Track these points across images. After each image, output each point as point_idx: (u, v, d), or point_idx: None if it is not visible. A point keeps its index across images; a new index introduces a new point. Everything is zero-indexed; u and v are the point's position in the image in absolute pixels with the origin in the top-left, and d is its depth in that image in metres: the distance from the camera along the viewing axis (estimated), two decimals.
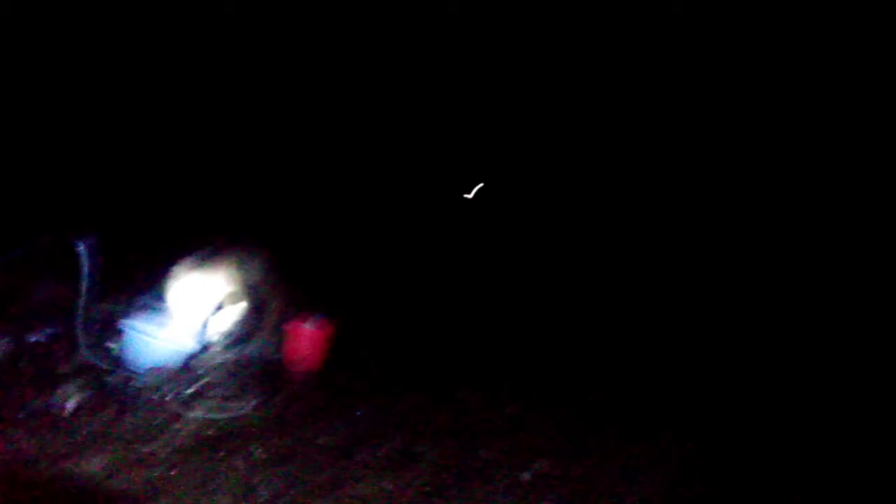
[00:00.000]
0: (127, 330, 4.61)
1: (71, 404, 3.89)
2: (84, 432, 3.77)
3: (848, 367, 6.51)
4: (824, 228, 7.81)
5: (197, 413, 4.13)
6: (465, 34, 7.21)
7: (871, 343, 6.79)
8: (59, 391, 3.92)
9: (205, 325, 5.32)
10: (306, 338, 5.45)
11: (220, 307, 5.65)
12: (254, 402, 4.36)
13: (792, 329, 7.14)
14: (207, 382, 4.52)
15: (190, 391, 4.31)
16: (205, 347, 5.12)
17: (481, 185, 8.90)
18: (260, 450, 3.97)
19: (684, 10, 6.66)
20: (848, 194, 7.80)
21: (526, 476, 4.21)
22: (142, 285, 5.32)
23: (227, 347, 5.36)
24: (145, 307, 5.11)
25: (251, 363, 5.25)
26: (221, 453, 3.90)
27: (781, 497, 4.55)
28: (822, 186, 7.79)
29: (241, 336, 5.53)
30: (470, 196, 8.22)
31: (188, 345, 4.84)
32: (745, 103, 7.62)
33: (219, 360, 5.11)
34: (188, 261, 5.57)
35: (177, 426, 4.01)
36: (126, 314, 4.87)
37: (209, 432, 4.05)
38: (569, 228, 8.59)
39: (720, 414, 5.56)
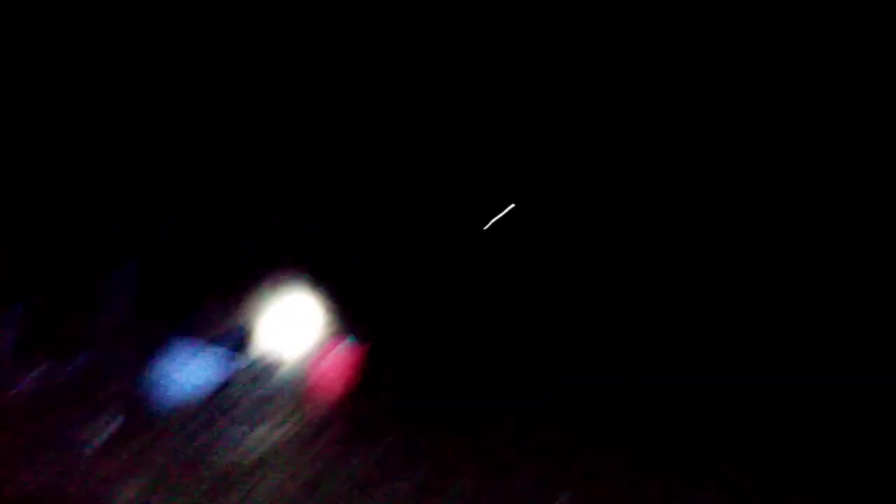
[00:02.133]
0: (171, 349, 4.66)
1: (106, 432, 3.91)
2: (119, 459, 3.79)
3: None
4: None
5: (229, 441, 4.13)
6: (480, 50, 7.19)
7: None
8: (96, 418, 3.95)
9: (237, 353, 5.36)
10: (335, 364, 5.45)
11: (251, 334, 5.69)
12: (284, 429, 4.35)
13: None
14: (240, 410, 4.52)
15: (222, 418, 4.31)
16: (237, 375, 5.14)
17: (511, 206, 8.84)
18: (291, 478, 3.96)
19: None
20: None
21: None
22: (177, 314, 5.37)
23: (259, 375, 5.38)
24: (180, 335, 5.15)
25: (282, 390, 5.26)
26: (254, 480, 3.90)
27: None
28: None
29: (271, 363, 5.55)
30: (499, 216, 8.15)
31: (221, 372, 4.86)
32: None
33: (250, 387, 5.14)
34: (223, 290, 5.64)
35: (209, 454, 4.01)
36: (161, 342, 4.91)
37: (241, 460, 4.05)
38: (598, 253, 8.47)
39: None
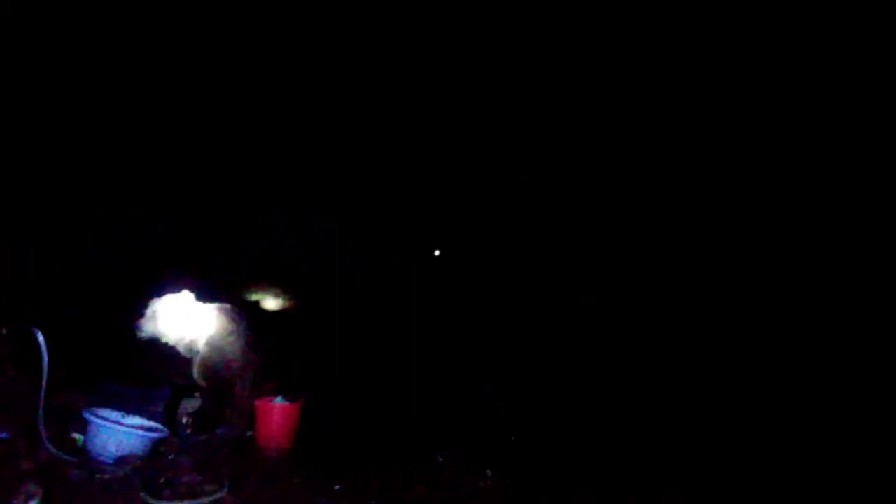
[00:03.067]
0: (90, 419, 4.37)
1: (35, 503, 3.62)
2: None
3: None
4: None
5: (169, 502, 3.89)
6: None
7: None
8: (23, 490, 3.65)
9: (172, 410, 5.11)
10: (277, 414, 5.28)
11: (186, 390, 5.45)
12: (227, 487, 4.13)
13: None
14: (178, 469, 4.28)
15: (161, 479, 4.07)
16: (173, 432, 4.89)
17: (438, 251, 8.93)
18: None
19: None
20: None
21: None
22: (104, 372, 5.10)
23: (197, 430, 5.14)
24: (109, 395, 4.87)
25: (222, 445, 5.04)
26: None
27: None
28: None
29: (209, 417, 5.32)
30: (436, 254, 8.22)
31: (156, 430, 4.61)
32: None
33: (189, 444, 4.89)
34: (151, 345, 5.40)
35: None
36: (89, 403, 4.63)
37: None
38: (536, 287, 8.63)
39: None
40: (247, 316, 6.37)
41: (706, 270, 7.97)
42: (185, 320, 5.90)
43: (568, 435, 6.72)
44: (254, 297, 7.41)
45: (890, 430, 5.98)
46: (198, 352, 5.75)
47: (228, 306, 6.17)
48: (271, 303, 7.96)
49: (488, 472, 4.99)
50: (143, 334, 5.66)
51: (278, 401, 5.37)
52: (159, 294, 5.96)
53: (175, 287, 6.09)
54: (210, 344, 5.63)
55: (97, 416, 4.40)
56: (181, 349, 5.78)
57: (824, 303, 7.11)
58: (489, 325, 8.55)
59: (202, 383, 5.64)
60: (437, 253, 8.37)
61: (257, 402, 5.32)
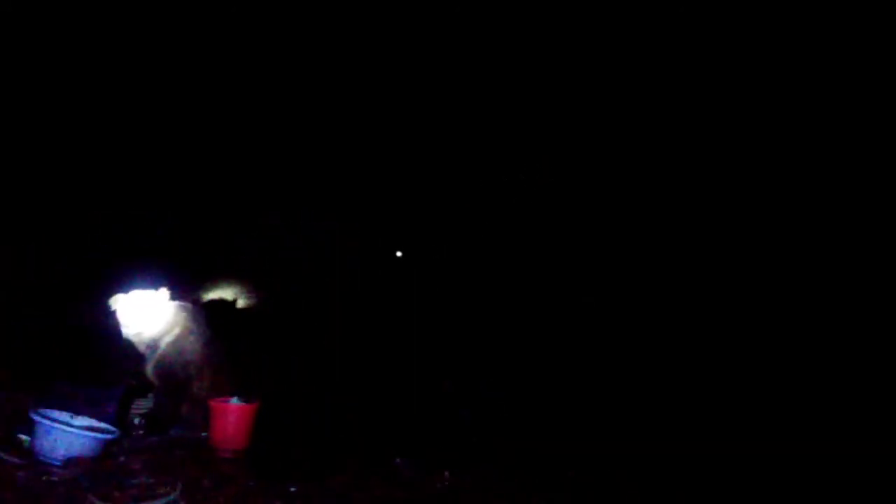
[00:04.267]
0: (38, 420, 4.22)
1: None
2: None
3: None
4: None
5: None
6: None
7: None
8: None
9: (124, 409, 4.98)
10: (232, 415, 5.18)
11: (139, 389, 5.33)
12: (180, 488, 4.04)
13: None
14: (130, 470, 4.17)
15: (111, 482, 3.95)
16: (125, 432, 4.77)
17: (399, 253, 8.90)
18: None
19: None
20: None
21: None
22: (54, 372, 4.94)
23: (150, 431, 5.02)
24: (58, 395, 4.72)
25: (176, 445, 4.92)
26: None
27: None
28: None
29: (163, 418, 5.20)
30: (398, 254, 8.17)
31: (106, 431, 4.48)
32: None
33: (141, 445, 4.77)
34: (106, 342, 5.26)
35: None
36: (37, 404, 4.48)
37: None
38: (507, 281, 8.61)
39: None
40: (206, 314, 6.26)
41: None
42: (142, 319, 5.78)
43: (535, 435, 6.73)
44: (212, 295, 7.26)
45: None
46: (157, 349, 5.63)
47: (189, 304, 6.06)
48: (230, 300, 7.81)
49: (446, 473, 4.98)
50: (99, 330, 5.52)
51: (234, 401, 5.27)
52: (116, 289, 5.82)
53: (133, 283, 5.95)
54: (168, 344, 5.51)
55: (45, 416, 4.25)
56: (139, 346, 5.65)
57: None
58: (455, 324, 8.53)
59: (156, 382, 5.52)
60: (398, 254, 8.33)
61: (212, 403, 5.22)
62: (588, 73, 6.96)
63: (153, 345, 5.77)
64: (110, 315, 5.73)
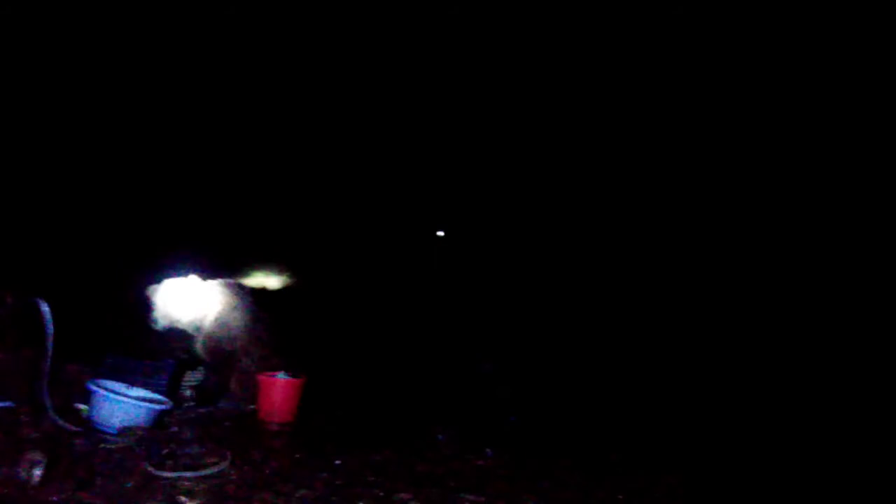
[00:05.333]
0: (95, 390, 4.34)
1: (39, 471, 3.60)
2: (54, 499, 3.49)
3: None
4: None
5: (172, 473, 3.87)
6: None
7: None
8: (27, 458, 3.63)
9: (175, 381, 5.09)
10: (280, 389, 5.26)
11: (188, 363, 5.43)
12: (230, 458, 4.12)
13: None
14: (181, 440, 4.26)
15: (164, 451, 4.05)
16: (176, 404, 4.88)
17: (441, 233, 8.90)
18: None
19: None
20: None
21: None
22: (110, 345, 5.07)
23: (200, 403, 5.13)
24: (114, 367, 4.86)
25: (225, 418, 5.02)
26: None
27: None
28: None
29: (212, 391, 5.31)
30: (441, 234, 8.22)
31: (159, 402, 4.59)
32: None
33: (192, 416, 4.88)
34: (156, 321, 5.38)
35: (152, 488, 3.75)
36: (93, 374, 4.61)
37: (186, 493, 3.80)
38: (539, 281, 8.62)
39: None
40: (251, 292, 6.35)
41: (712, 263, 7.96)
42: (190, 297, 5.88)
43: (571, 417, 6.71)
44: (257, 277, 7.38)
45: None
46: (202, 328, 5.73)
47: (233, 282, 6.15)
48: (275, 282, 7.92)
49: (488, 450, 4.98)
50: (149, 310, 5.65)
51: (281, 376, 5.35)
52: (165, 270, 5.94)
53: (181, 265, 6.08)
54: (215, 320, 5.60)
55: (102, 386, 4.38)
56: (186, 325, 5.75)
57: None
58: (494, 309, 8.55)
59: (205, 356, 5.63)
60: (440, 234, 8.32)
61: (260, 377, 5.31)
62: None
63: (201, 321, 5.87)
64: (159, 294, 5.85)
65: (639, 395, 7.62)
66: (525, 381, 7.98)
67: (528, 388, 7.68)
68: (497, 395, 7.24)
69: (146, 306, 5.74)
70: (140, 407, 4.38)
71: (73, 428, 4.15)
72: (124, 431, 4.16)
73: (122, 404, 4.31)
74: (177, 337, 5.72)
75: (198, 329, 5.83)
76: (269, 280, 7.84)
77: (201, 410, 5.07)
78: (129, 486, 3.73)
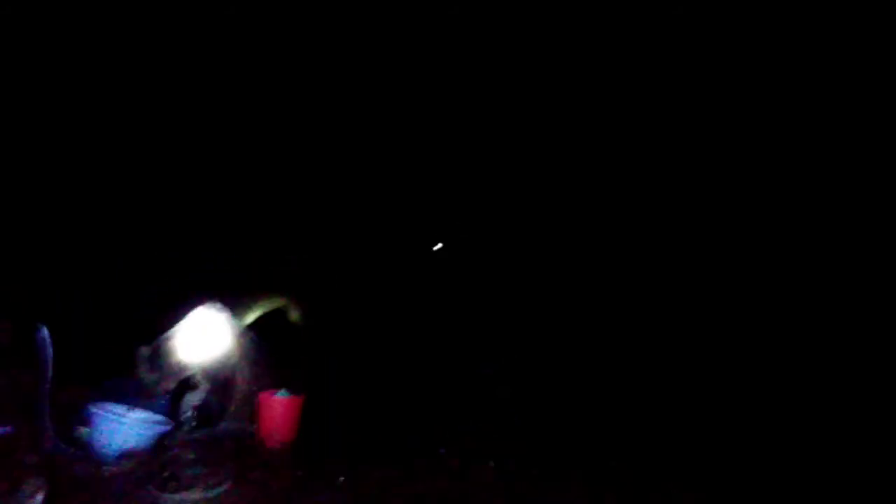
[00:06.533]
0: (95, 414, 4.31)
1: (40, 496, 3.57)
2: None
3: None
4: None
5: (174, 495, 3.84)
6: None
7: None
8: (28, 484, 3.60)
9: (174, 404, 5.06)
10: (280, 407, 5.22)
11: (188, 385, 5.40)
12: (232, 479, 4.09)
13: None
14: (182, 462, 4.23)
15: (165, 473, 4.02)
16: (176, 426, 4.84)
17: (439, 244, 8.91)
18: None
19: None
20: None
21: None
22: (107, 367, 5.04)
23: (201, 424, 5.09)
24: (112, 390, 4.82)
25: (225, 438, 4.98)
26: None
27: None
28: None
29: (213, 411, 5.27)
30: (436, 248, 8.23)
31: (159, 425, 4.56)
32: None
33: (193, 437, 4.84)
34: (154, 341, 5.34)
35: None
36: (93, 398, 4.58)
37: None
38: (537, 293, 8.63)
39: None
40: (255, 323, 6.33)
41: (711, 263, 7.97)
42: (191, 320, 5.85)
43: (571, 418, 6.68)
44: (260, 307, 7.37)
45: None
46: (207, 351, 5.70)
47: (237, 314, 6.13)
48: (274, 301, 7.89)
49: (491, 463, 4.95)
50: (150, 335, 5.61)
51: (281, 394, 5.31)
52: (166, 295, 5.93)
53: (181, 290, 6.07)
54: (215, 342, 5.57)
55: (103, 409, 4.35)
56: (186, 348, 5.72)
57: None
58: (489, 314, 8.54)
59: (206, 379, 5.59)
60: (438, 246, 8.33)
61: (260, 396, 5.27)
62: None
63: (200, 344, 5.84)
64: (159, 318, 5.82)
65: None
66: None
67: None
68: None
69: (146, 331, 5.71)
70: (141, 429, 4.35)
71: (74, 453, 4.11)
72: (125, 453, 4.13)
73: (124, 426, 4.27)
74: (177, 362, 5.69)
75: (200, 354, 5.80)
76: (270, 308, 7.80)
77: (202, 432, 5.03)
78: None
